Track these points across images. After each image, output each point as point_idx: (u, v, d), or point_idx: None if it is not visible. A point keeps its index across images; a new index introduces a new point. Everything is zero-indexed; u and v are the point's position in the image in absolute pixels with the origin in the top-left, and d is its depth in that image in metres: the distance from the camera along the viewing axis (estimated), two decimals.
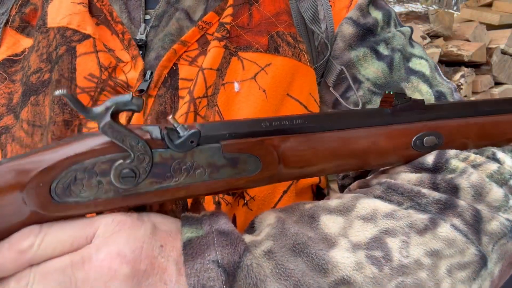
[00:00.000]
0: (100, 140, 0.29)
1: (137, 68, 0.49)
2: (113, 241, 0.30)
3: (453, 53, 1.99)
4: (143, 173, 0.30)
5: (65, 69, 0.47)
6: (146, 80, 0.48)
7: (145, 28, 0.52)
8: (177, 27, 0.51)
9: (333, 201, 0.38)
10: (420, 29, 1.90)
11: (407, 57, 0.54)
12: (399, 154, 0.39)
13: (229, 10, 0.51)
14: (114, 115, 0.28)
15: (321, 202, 0.38)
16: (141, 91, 0.48)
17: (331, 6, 0.55)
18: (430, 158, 0.40)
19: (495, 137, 0.42)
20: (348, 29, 0.53)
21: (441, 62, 1.94)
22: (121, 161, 0.29)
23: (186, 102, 0.46)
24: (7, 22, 0.52)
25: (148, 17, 0.53)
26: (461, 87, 1.94)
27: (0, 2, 0.54)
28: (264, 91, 0.49)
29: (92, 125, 0.46)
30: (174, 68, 0.49)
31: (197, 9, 0.53)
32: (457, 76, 1.95)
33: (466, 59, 1.95)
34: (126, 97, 0.28)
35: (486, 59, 2.04)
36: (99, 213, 0.31)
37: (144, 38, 0.51)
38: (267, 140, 0.34)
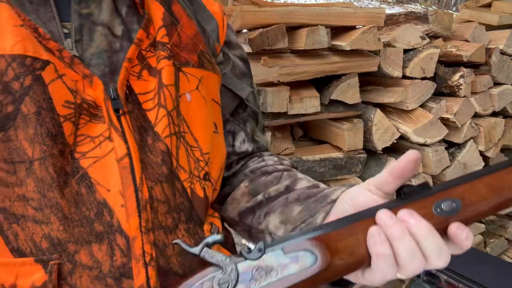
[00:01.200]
0: (201, 272, 0.42)
1: (95, 87, 0.49)
2: None
3: (452, 54, 2.00)
4: (233, 280, 0.41)
5: (41, 100, 0.45)
6: (115, 99, 0.49)
7: (72, 43, 0.50)
8: (107, 43, 0.52)
9: None
10: (419, 29, 1.91)
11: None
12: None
13: (162, 31, 0.57)
14: (210, 245, 0.42)
15: None
16: (116, 110, 0.49)
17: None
18: None
19: (505, 189, 0.46)
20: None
21: (440, 62, 1.95)
22: (218, 274, 0.41)
23: (163, 115, 0.52)
24: None
25: (65, 30, 0.51)
26: (460, 87, 1.94)
27: None
28: (204, 98, 0.59)
29: (81, 149, 0.47)
30: (128, 84, 0.52)
31: (115, 25, 0.55)
32: (456, 76, 1.96)
33: (465, 59, 1.95)
34: (219, 237, 0.43)
35: (485, 60, 2.04)
36: None
37: (76, 54, 0.50)
38: (315, 238, 0.43)
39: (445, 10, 2.56)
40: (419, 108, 1.86)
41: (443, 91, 2.01)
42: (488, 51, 2.05)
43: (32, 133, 0.44)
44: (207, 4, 0.68)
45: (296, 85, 1.66)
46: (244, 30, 1.77)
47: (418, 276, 1.57)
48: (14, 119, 0.43)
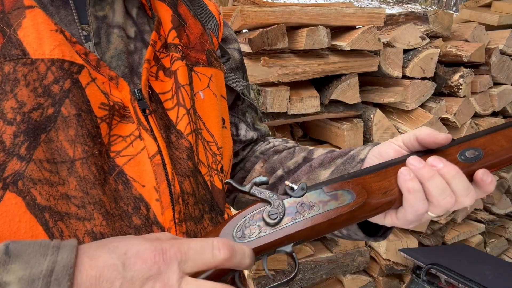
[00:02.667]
0: (251, 207, 0.48)
1: (120, 88, 0.51)
2: None
3: (452, 54, 2.00)
4: (281, 213, 0.46)
5: (80, 102, 0.46)
6: (141, 99, 0.52)
7: (92, 46, 0.52)
8: (124, 44, 0.55)
9: None
10: (419, 29, 1.91)
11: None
12: None
13: (173, 33, 0.60)
14: (258, 184, 0.47)
15: None
16: (143, 110, 0.52)
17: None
18: None
19: None
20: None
21: (440, 62, 1.95)
22: (267, 208, 0.46)
23: (183, 114, 0.56)
24: None
25: (84, 33, 0.52)
26: (460, 87, 1.94)
27: None
28: (215, 95, 0.63)
29: (115, 148, 0.49)
30: (149, 84, 0.55)
31: (127, 27, 0.57)
32: (456, 76, 1.96)
33: (465, 59, 1.95)
34: (265, 179, 0.48)
35: (485, 60, 2.04)
36: (262, 246, 0.46)
37: (99, 57, 0.51)
38: (352, 180, 0.49)
39: (445, 10, 2.55)
40: (419, 108, 1.86)
41: (443, 91, 2.01)
42: (488, 51, 2.05)
43: (73, 134, 0.45)
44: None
45: (296, 85, 1.66)
46: (244, 30, 1.77)
47: (418, 276, 1.57)
48: (55, 121, 0.45)
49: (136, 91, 0.53)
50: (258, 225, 0.46)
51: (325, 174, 0.63)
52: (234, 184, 0.47)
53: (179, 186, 0.51)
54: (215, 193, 0.59)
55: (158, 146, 0.51)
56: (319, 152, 0.67)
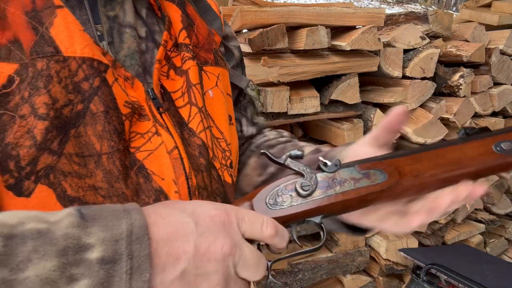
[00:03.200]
0: (285, 178, 0.49)
1: (135, 88, 0.53)
2: None
3: (452, 54, 2.00)
4: (313, 185, 0.48)
5: (108, 100, 0.48)
6: (155, 98, 0.54)
7: (106, 45, 0.53)
8: (136, 44, 0.56)
9: None
10: (419, 29, 1.91)
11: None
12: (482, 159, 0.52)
13: (183, 33, 0.61)
14: (293, 157, 0.49)
15: None
16: (158, 108, 0.54)
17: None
18: None
19: None
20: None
21: (440, 62, 1.95)
22: (300, 179, 0.48)
23: (196, 112, 0.58)
24: None
25: (98, 33, 0.53)
26: (460, 87, 1.94)
27: None
28: (222, 93, 0.65)
29: (135, 145, 0.51)
30: (160, 83, 0.57)
31: (138, 27, 0.58)
32: (456, 76, 1.96)
33: (465, 59, 1.96)
34: (300, 153, 0.49)
35: (485, 60, 2.04)
36: (293, 215, 0.47)
37: (113, 57, 0.52)
38: (385, 160, 0.50)
39: (445, 10, 2.55)
40: (419, 108, 1.86)
41: (443, 91, 2.01)
42: (488, 51, 2.05)
43: (100, 129, 0.47)
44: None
45: (296, 85, 1.66)
46: (244, 30, 1.77)
47: (418, 276, 1.57)
48: (83, 116, 0.47)
49: (149, 90, 0.54)
50: (291, 195, 0.48)
51: None
52: (269, 155, 0.49)
53: (195, 179, 0.54)
54: (226, 187, 0.62)
55: (175, 142, 0.53)
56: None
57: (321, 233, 0.49)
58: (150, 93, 0.54)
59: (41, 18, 0.46)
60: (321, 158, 0.49)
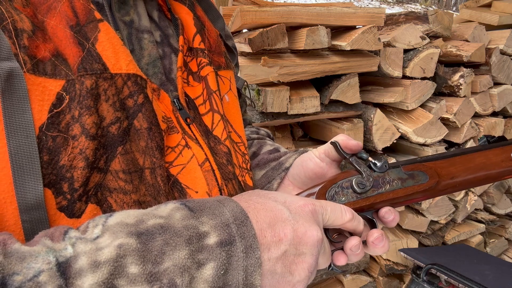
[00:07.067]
0: (343, 175, 0.55)
1: (162, 99, 0.52)
2: None
3: (452, 54, 2.00)
4: (369, 184, 0.53)
5: (150, 116, 0.47)
6: (181, 109, 0.54)
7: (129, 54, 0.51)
8: (156, 50, 0.54)
9: None
10: (419, 29, 1.91)
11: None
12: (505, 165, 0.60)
13: (198, 37, 0.60)
14: (359, 157, 0.56)
15: None
16: (185, 119, 0.54)
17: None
18: None
19: None
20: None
21: (440, 62, 1.95)
22: (355, 178, 0.54)
23: (219, 120, 0.58)
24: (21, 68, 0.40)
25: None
26: (460, 87, 1.94)
27: None
28: (235, 96, 0.65)
29: (167, 159, 0.50)
30: (183, 91, 0.56)
31: (153, 31, 0.56)
32: (456, 76, 1.96)
33: (465, 59, 1.95)
34: (365, 155, 0.56)
35: (485, 60, 2.04)
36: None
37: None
38: (426, 163, 0.57)
39: (445, 10, 2.55)
40: (419, 108, 1.86)
41: (443, 91, 2.01)
42: (488, 51, 2.05)
43: (143, 145, 0.47)
44: None
45: (296, 85, 1.66)
46: (244, 30, 1.77)
47: (418, 276, 1.57)
48: (128, 133, 0.46)
49: (175, 100, 0.53)
50: (347, 192, 0.53)
51: (259, 175, 0.67)
52: (340, 148, 0.55)
53: (227, 190, 0.55)
54: (247, 190, 0.61)
55: (205, 153, 0.53)
56: (265, 148, 0.71)
57: (373, 226, 0.54)
58: (176, 104, 0.53)
59: (86, 33, 0.45)
60: (370, 158, 0.55)
